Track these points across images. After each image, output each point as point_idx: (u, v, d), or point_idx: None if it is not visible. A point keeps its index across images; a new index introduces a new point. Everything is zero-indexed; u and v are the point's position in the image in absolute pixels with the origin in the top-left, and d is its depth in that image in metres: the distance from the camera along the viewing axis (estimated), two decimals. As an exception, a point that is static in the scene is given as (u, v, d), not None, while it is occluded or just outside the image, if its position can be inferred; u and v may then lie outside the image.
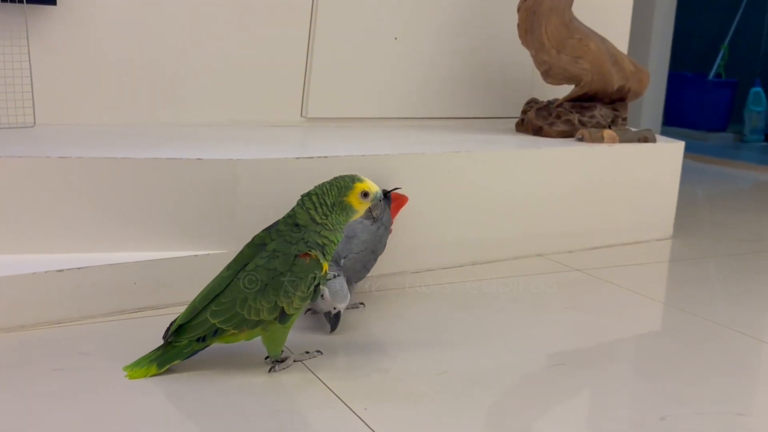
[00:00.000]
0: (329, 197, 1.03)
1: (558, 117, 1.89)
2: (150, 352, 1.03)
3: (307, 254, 1.00)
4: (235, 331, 1.01)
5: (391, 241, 1.50)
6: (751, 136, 4.36)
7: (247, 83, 1.81)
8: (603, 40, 1.93)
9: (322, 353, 1.11)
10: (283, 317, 1.01)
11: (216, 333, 1.01)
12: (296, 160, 1.39)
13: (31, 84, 1.51)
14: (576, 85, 1.92)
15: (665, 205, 1.94)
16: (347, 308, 1.24)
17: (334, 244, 1.04)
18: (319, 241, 1.02)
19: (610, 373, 1.13)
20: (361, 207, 1.04)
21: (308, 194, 1.04)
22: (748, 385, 1.11)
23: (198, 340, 1.01)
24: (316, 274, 1.01)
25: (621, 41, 2.30)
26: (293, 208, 1.04)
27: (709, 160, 3.57)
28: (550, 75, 1.88)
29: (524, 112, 1.96)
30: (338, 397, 0.99)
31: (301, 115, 1.89)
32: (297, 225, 1.03)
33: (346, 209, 1.04)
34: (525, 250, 1.70)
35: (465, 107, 2.09)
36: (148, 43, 1.67)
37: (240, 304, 0.99)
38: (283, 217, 1.05)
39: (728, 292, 1.58)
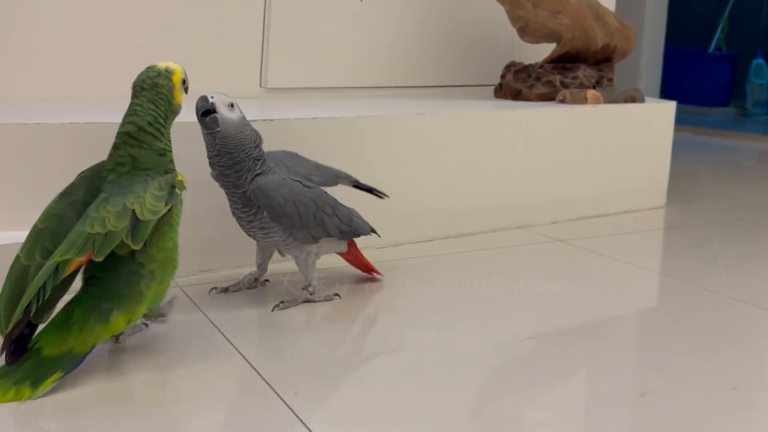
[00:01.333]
0: (160, 111, 0.87)
1: (538, 79, 1.75)
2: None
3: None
4: (80, 262, 0.77)
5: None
6: (754, 110, 4.20)
7: (201, 53, 1.67)
8: (584, -7, 1.78)
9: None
10: (136, 229, 0.79)
11: (57, 272, 0.75)
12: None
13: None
14: (557, 44, 1.77)
15: (657, 171, 1.79)
16: (321, 301, 1.11)
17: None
18: (171, 167, 0.88)
19: (594, 346, 1.00)
20: (181, 100, 0.91)
21: (135, 126, 0.85)
22: (746, 357, 0.97)
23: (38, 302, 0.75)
24: (170, 172, 0.87)
25: (607, 1, 2.14)
26: (117, 157, 0.85)
27: (711, 133, 3.41)
28: (527, 32, 1.74)
29: (502, 76, 1.82)
30: (265, 381, 0.85)
31: (261, 86, 1.75)
32: (139, 170, 0.85)
33: (175, 112, 0.90)
34: (504, 222, 1.55)
35: (439, 75, 1.95)
36: (101, 13, 1.53)
37: (80, 223, 0.79)
38: (105, 169, 0.86)
39: (728, 259, 1.44)
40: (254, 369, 0.88)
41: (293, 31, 1.75)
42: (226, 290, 1.12)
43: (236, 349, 0.93)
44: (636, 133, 1.73)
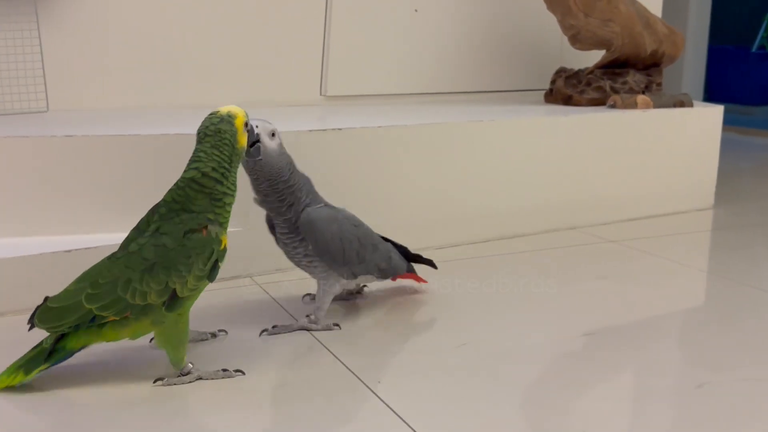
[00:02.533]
0: (224, 156, 0.87)
1: (588, 84, 1.81)
2: (22, 356, 0.88)
3: (203, 228, 0.86)
4: (116, 318, 0.84)
5: (413, 216, 1.45)
6: (798, 109, 4.17)
7: (264, 63, 1.76)
8: (633, 1, 1.83)
9: (244, 373, 0.92)
10: (173, 301, 0.85)
11: (93, 321, 0.84)
12: (309, 132, 1.34)
13: (43, 69, 1.48)
14: (606, 51, 1.83)
15: (705, 173, 1.84)
16: (319, 330, 1.06)
17: (230, 207, 0.90)
18: (211, 217, 0.87)
19: (648, 341, 1.06)
20: (244, 142, 0.91)
21: (198, 173, 0.86)
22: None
23: (68, 332, 0.85)
24: (214, 249, 0.87)
25: (654, 6, 2.19)
26: (175, 193, 0.88)
27: (755, 133, 3.42)
28: (578, 40, 1.80)
29: (553, 81, 1.88)
30: (350, 371, 0.93)
31: (321, 94, 1.84)
32: (186, 211, 0.87)
33: (239, 155, 0.89)
34: (556, 223, 1.62)
35: (490, 80, 2.02)
36: (162, 24, 1.64)
37: (122, 287, 0.84)
38: (164, 201, 0.89)
39: (776, 259, 1.49)
40: (339, 360, 0.96)
41: (352, 40, 1.84)
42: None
43: (320, 342, 1.02)
44: (684, 136, 1.78)
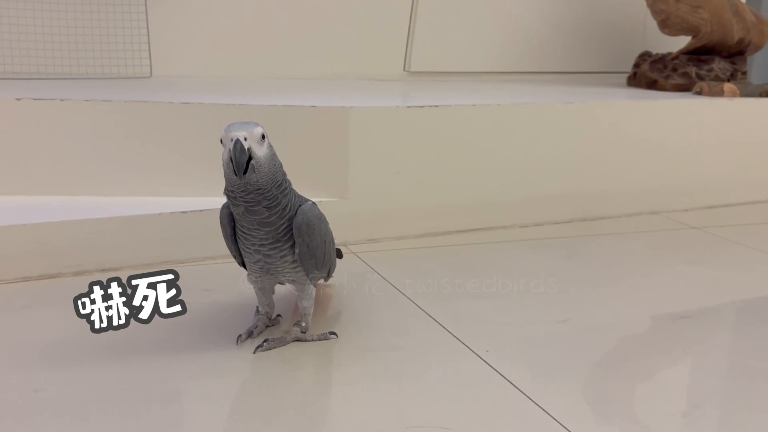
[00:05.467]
0: None
1: (674, 70, 1.81)
2: None
3: None
4: None
5: (496, 195, 1.47)
6: None
7: (351, 37, 1.80)
8: (724, -12, 1.82)
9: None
10: None
11: None
12: (407, 108, 1.37)
13: (148, 35, 1.54)
14: (693, 37, 1.82)
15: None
16: (314, 340, 0.95)
17: None
18: None
19: (746, 325, 1.08)
20: None
21: None
22: None
23: None
24: None
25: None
26: None
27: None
28: (667, 25, 1.79)
29: (637, 65, 1.88)
30: (459, 340, 0.97)
31: (404, 69, 1.87)
32: None
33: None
34: (638, 207, 1.63)
35: (572, 61, 2.02)
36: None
37: None
38: None
39: None
40: (447, 330, 1.01)
41: (438, 17, 1.86)
42: (250, 334, 0.94)
43: (427, 313, 1.06)
44: (770, 126, 1.77)
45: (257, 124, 0.82)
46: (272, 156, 0.84)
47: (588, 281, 1.23)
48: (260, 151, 0.81)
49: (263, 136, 0.82)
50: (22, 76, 1.47)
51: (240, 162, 0.79)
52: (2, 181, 1.23)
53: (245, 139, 0.80)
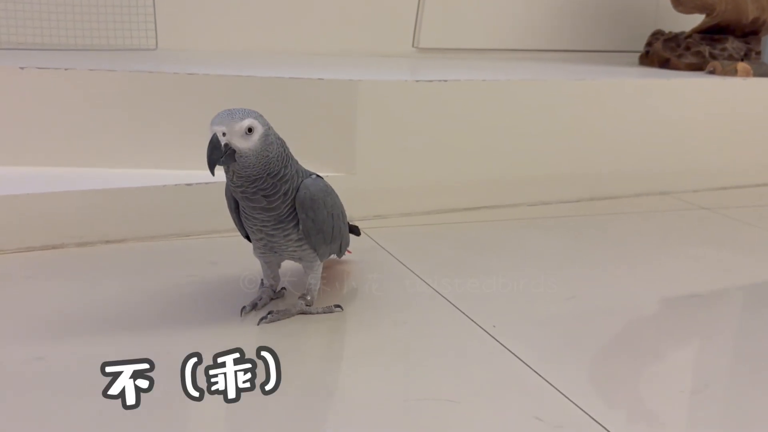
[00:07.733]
0: None
1: (687, 48, 1.78)
2: None
3: None
4: None
5: (504, 172, 1.46)
6: None
7: (359, 13, 1.78)
8: (739, -34, 1.79)
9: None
10: None
11: None
12: (416, 82, 1.35)
13: (154, 7, 1.52)
14: (707, 15, 1.79)
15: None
16: (319, 313, 0.94)
17: None
18: None
19: (747, 304, 1.07)
20: None
21: None
22: None
23: None
24: None
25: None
26: None
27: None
28: (681, 3, 1.77)
29: (649, 44, 1.86)
30: (466, 315, 0.96)
31: (413, 45, 1.84)
32: None
33: None
34: (649, 187, 1.61)
35: (584, 39, 2.00)
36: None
37: None
38: None
39: None
40: (454, 305, 0.99)
41: (448, -6, 1.83)
42: (255, 306, 0.93)
43: (434, 289, 1.05)
44: (783, 107, 1.74)
45: (248, 115, 0.79)
46: (263, 148, 0.81)
47: (596, 261, 1.21)
48: (243, 144, 0.79)
49: (250, 129, 0.79)
50: (26, 46, 1.45)
51: (211, 159, 0.78)
52: (5, 151, 1.22)
53: (223, 134, 0.78)
